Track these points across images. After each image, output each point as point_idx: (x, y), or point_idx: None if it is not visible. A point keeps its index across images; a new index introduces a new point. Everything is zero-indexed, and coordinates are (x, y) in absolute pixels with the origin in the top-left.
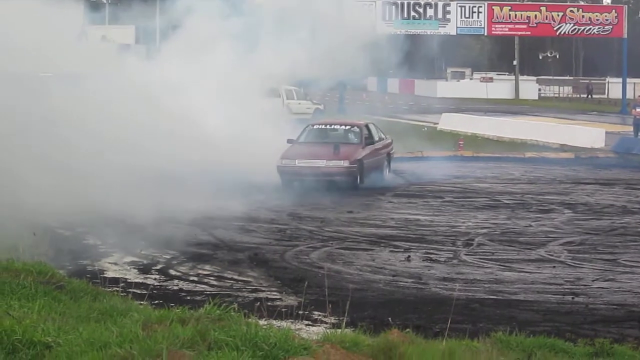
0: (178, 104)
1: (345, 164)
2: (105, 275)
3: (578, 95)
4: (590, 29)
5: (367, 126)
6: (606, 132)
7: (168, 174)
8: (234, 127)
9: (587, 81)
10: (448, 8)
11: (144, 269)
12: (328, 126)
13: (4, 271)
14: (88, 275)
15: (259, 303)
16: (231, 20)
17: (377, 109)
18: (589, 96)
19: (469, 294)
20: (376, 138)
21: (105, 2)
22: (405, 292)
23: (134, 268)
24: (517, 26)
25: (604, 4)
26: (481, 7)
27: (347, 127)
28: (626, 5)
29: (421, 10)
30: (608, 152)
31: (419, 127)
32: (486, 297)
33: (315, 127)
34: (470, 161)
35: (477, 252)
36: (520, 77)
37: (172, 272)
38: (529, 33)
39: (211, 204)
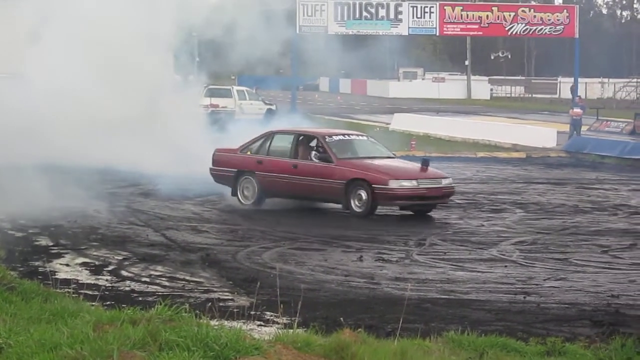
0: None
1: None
2: (56, 277)
3: (530, 95)
4: (542, 29)
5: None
6: (558, 132)
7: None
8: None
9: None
10: (400, 8)
11: (96, 270)
12: (346, 136)
13: None
14: (39, 277)
15: (210, 304)
16: None
17: (329, 109)
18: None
19: (421, 293)
20: None
21: None
22: (357, 292)
23: (86, 269)
24: (468, 26)
25: (556, 4)
26: (433, 7)
27: (369, 139)
28: (577, 5)
29: (373, 10)
30: (560, 151)
31: (371, 127)
32: (438, 296)
33: (334, 138)
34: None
35: (429, 252)
36: (472, 77)
37: (124, 273)
38: (481, 33)
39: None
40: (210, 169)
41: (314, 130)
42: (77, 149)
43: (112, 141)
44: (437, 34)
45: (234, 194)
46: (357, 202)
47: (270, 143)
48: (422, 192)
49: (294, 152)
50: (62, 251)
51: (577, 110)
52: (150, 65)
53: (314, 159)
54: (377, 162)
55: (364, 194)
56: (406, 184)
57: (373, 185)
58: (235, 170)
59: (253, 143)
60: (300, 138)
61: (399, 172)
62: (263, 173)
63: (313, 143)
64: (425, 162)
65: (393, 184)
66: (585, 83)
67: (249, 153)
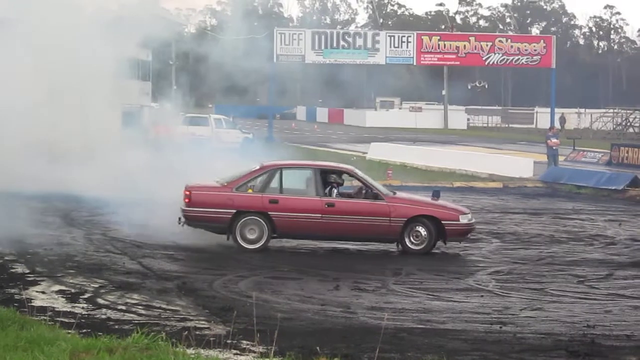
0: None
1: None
2: (32, 304)
3: (507, 125)
4: (518, 59)
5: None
6: (534, 162)
7: None
8: None
9: (561, 114)
10: (377, 38)
11: (72, 298)
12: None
13: None
14: (16, 304)
15: (187, 332)
16: None
17: (306, 138)
18: (562, 129)
19: (398, 323)
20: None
21: None
22: (333, 321)
23: (62, 297)
24: (446, 56)
25: (533, 34)
26: (410, 36)
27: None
28: (554, 36)
29: (350, 39)
30: (536, 181)
31: (348, 157)
32: (414, 326)
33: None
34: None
35: (405, 281)
36: (449, 107)
37: (101, 300)
38: (458, 63)
39: None
40: (186, 211)
41: (335, 164)
42: (17, 174)
43: (54, 167)
44: (415, 64)
45: (230, 237)
46: (413, 240)
47: (281, 179)
48: (474, 227)
49: (319, 189)
50: (38, 278)
51: (555, 140)
52: (99, 92)
53: (341, 196)
54: (419, 197)
55: (423, 231)
56: (469, 219)
57: (443, 222)
58: (234, 211)
59: (252, 179)
60: (322, 173)
61: (456, 207)
62: (281, 214)
63: (338, 178)
64: (436, 194)
65: (463, 220)
66: (562, 113)
67: (250, 191)
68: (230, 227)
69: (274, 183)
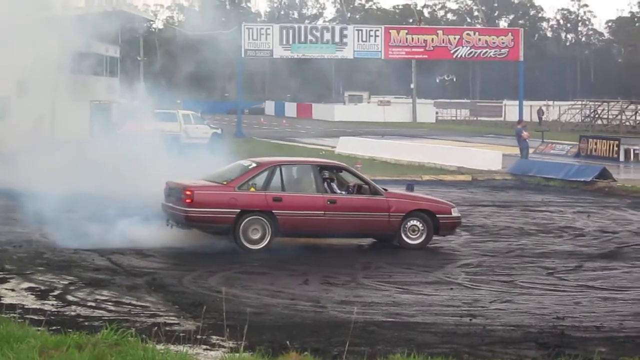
0: None
1: None
2: (2, 302)
3: (475, 118)
4: (486, 52)
5: None
6: (503, 155)
7: None
8: None
9: (539, 107)
10: (345, 32)
11: (42, 295)
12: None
13: None
14: None
15: (156, 328)
16: None
17: (275, 132)
18: (540, 121)
19: (367, 316)
20: None
21: None
22: (303, 316)
23: (32, 294)
24: (414, 50)
25: (501, 27)
26: (378, 30)
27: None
28: (522, 29)
29: (318, 34)
30: (505, 174)
31: (317, 151)
32: (384, 319)
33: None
34: None
35: (375, 275)
36: (418, 101)
37: (70, 297)
38: (426, 56)
39: None
40: (188, 212)
41: (329, 161)
42: None
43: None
44: (382, 57)
45: (234, 238)
46: (410, 234)
47: (282, 177)
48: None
49: (320, 186)
50: (7, 276)
51: (526, 133)
52: (65, 87)
53: (340, 191)
54: (408, 192)
55: (420, 225)
56: (458, 212)
57: (438, 216)
58: (238, 210)
59: (252, 178)
60: (320, 169)
61: (447, 201)
62: (285, 212)
63: (333, 174)
64: (410, 188)
65: (455, 213)
66: (530, 106)
67: (252, 190)
68: (234, 227)
69: (275, 181)
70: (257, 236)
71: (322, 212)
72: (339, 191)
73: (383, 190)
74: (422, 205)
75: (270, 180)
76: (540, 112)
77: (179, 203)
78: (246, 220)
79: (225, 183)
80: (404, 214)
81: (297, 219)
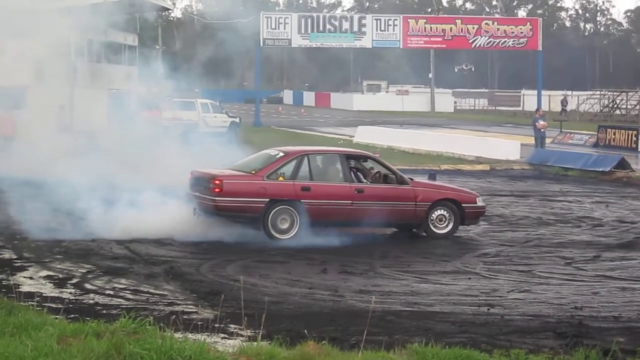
0: None
1: None
2: (20, 290)
3: (493, 108)
4: (505, 41)
5: None
6: (521, 144)
7: None
8: None
9: (563, 96)
10: (364, 21)
11: (60, 283)
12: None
13: None
14: (3, 290)
15: (174, 316)
16: None
17: (293, 121)
18: (563, 111)
19: (385, 306)
20: None
21: None
22: (321, 305)
23: (50, 282)
24: (432, 39)
25: (519, 17)
26: (397, 20)
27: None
28: (541, 18)
29: (337, 23)
30: (523, 164)
31: (335, 140)
32: (402, 309)
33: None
34: None
35: (393, 264)
36: (436, 90)
37: (88, 285)
38: (445, 46)
39: None
40: (217, 201)
41: (356, 150)
42: None
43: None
44: (401, 47)
45: (262, 228)
46: (437, 224)
47: (309, 166)
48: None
49: (347, 175)
50: (25, 264)
51: (543, 122)
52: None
53: (367, 181)
54: (433, 182)
55: (446, 214)
56: (482, 201)
57: (463, 205)
58: (267, 200)
59: (281, 167)
60: (347, 159)
61: (472, 191)
62: (314, 201)
63: (359, 164)
64: (432, 177)
65: (480, 202)
66: (549, 96)
67: (281, 179)
68: (263, 217)
69: (303, 170)
70: (285, 226)
71: (350, 202)
72: (365, 180)
73: (409, 180)
74: (448, 194)
75: (299, 169)
76: (564, 102)
77: (207, 192)
78: (275, 209)
79: (253, 172)
80: (430, 204)
81: (326, 209)
